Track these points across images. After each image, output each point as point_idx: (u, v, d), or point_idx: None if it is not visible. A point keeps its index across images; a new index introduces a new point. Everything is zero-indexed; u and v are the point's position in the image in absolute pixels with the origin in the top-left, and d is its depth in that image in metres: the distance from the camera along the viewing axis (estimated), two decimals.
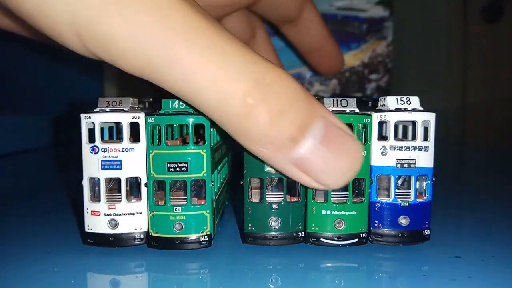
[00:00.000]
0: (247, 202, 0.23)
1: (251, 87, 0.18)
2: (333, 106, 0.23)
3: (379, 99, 0.24)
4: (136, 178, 0.23)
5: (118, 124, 0.26)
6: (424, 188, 0.24)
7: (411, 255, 0.23)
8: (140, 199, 0.23)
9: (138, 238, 0.23)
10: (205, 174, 0.22)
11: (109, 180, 0.23)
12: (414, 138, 0.23)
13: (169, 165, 0.22)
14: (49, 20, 0.19)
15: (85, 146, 0.23)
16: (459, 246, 0.24)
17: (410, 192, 0.23)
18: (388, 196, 0.23)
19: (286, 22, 0.41)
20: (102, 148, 0.22)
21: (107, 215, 0.23)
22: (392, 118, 0.23)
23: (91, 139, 0.23)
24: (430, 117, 0.23)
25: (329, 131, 0.19)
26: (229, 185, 0.32)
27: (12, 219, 0.30)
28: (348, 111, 0.23)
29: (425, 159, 0.23)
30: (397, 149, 0.23)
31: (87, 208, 0.23)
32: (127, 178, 0.23)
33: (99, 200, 0.23)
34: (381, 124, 0.23)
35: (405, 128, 0.27)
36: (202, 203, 0.23)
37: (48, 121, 0.67)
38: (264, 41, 0.42)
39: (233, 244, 0.24)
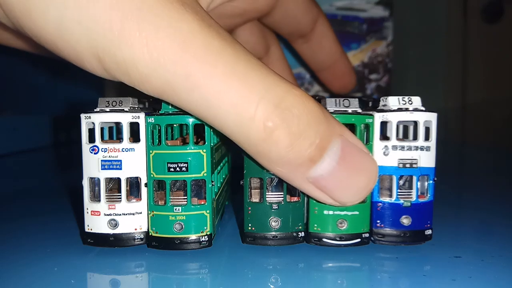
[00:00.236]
0: (247, 202, 0.23)
1: (270, 112, 0.19)
2: (335, 106, 0.23)
3: (381, 99, 0.24)
4: (136, 178, 0.23)
5: (118, 124, 0.26)
6: (426, 188, 0.24)
7: (411, 255, 0.23)
8: (140, 199, 0.23)
9: (138, 238, 0.23)
10: (205, 174, 0.22)
11: (109, 180, 0.23)
12: (415, 138, 0.23)
13: (169, 165, 0.22)
14: (69, 46, 0.19)
15: (85, 146, 0.23)
16: (459, 246, 0.24)
17: (412, 192, 0.23)
18: (390, 196, 0.23)
19: (299, 36, 0.41)
20: (102, 148, 0.22)
21: (107, 215, 0.23)
22: (394, 118, 0.23)
23: (91, 139, 0.23)
24: (432, 117, 0.23)
25: (346, 150, 0.20)
26: (229, 185, 0.32)
27: (12, 219, 0.30)
28: (350, 111, 0.23)
29: (427, 159, 0.23)
30: (399, 149, 0.23)
31: (87, 208, 0.23)
32: (127, 178, 0.23)
33: (99, 200, 0.23)
34: (382, 124, 0.23)
35: (405, 128, 0.27)
36: (202, 203, 0.23)
37: (48, 121, 0.67)
38: (279, 58, 0.42)
39: (233, 244, 0.24)
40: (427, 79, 0.96)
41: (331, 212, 0.23)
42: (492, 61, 0.98)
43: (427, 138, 0.23)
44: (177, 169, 0.22)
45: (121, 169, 0.23)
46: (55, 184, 0.44)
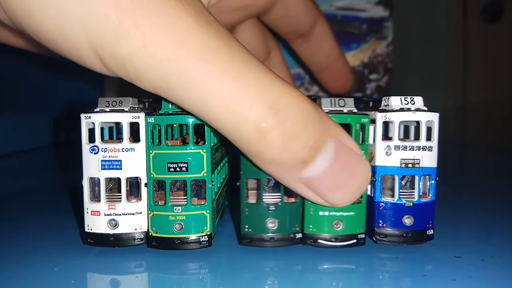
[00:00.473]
0: (244, 204, 0.23)
1: (264, 113, 0.19)
2: (331, 106, 0.23)
3: (383, 99, 0.24)
4: (136, 178, 0.23)
5: (118, 124, 0.26)
6: (428, 188, 0.24)
7: (411, 255, 0.23)
8: (140, 199, 0.23)
9: (138, 238, 0.23)
10: (205, 174, 0.22)
11: (109, 180, 0.23)
12: (417, 138, 0.23)
13: (169, 165, 0.22)
14: (68, 42, 0.19)
15: (85, 146, 0.23)
16: (459, 246, 0.24)
17: (414, 192, 0.23)
18: (392, 196, 0.23)
19: (298, 36, 0.41)
20: (102, 148, 0.22)
21: (107, 215, 0.23)
22: (396, 118, 0.23)
23: (91, 139, 0.23)
24: (434, 117, 0.23)
25: (339, 152, 0.20)
26: (229, 185, 0.32)
27: (12, 219, 0.30)
28: (345, 110, 0.23)
29: (429, 159, 0.23)
30: (401, 149, 0.23)
31: (87, 208, 0.23)
32: (127, 178, 0.23)
33: (99, 200, 0.23)
34: (384, 124, 0.23)
35: (406, 128, 0.27)
36: (202, 203, 0.23)
37: (48, 121, 0.67)
38: (279, 63, 0.42)
39: (233, 244, 0.24)
40: (427, 79, 0.96)
41: (326, 213, 0.23)
42: (492, 61, 0.98)
43: (429, 138, 0.23)
44: (177, 169, 0.22)
45: (121, 169, 0.23)
46: (55, 184, 0.44)
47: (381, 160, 0.23)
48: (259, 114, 0.18)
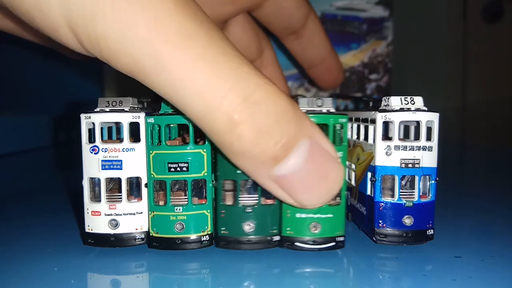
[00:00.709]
0: (220, 205, 0.23)
1: (237, 104, 0.18)
2: (308, 105, 0.23)
3: (383, 99, 0.24)
4: (137, 178, 0.23)
5: (117, 124, 0.26)
6: (428, 188, 0.24)
7: (411, 255, 0.23)
8: (141, 199, 0.23)
9: (138, 238, 0.23)
10: (205, 174, 0.22)
11: (109, 180, 0.23)
12: (417, 138, 0.23)
13: (170, 165, 0.22)
14: (45, 17, 0.18)
15: (85, 146, 0.23)
16: (459, 246, 0.24)
17: (414, 192, 0.23)
18: (392, 196, 0.23)
19: (290, 32, 0.41)
20: (102, 148, 0.22)
21: (108, 215, 0.23)
22: (396, 118, 0.23)
23: (91, 139, 0.23)
24: (434, 117, 0.23)
25: (313, 153, 0.19)
26: None
27: (12, 219, 0.30)
28: (324, 110, 0.22)
29: (429, 159, 0.23)
30: (401, 149, 0.23)
31: (88, 208, 0.23)
32: (128, 178, 0.23)
33: (100, 200, 0.23)
34: (384, 124, 0.23)
35: (406, 128, 0.27)
36: (203, 202, 0.23)
37: (48, 121, 0.67)
38: (272, 62, 0.42)
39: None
40: (427, 79, 0.96)
41: (304, 215, 0.22)
42: (492, 61, 0.98)
43: (429, 138, 0.23)
44: (178, 169, 0.22)
45: (121, 169, 0.23)
46: (55, 184, 0.44)
47: (381, 160, 0.23)
48: (232, 105, 0.18)
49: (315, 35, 0.41)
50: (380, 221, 0.23)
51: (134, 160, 0.23)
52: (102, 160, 0.22)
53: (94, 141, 0.23)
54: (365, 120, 0.25)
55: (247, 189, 0.23)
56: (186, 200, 0.23)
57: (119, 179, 0.23)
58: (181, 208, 0.22)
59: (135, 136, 0.23)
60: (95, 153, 0.23)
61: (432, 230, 0.23)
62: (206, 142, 0.22)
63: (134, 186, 0.24)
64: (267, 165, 0.19)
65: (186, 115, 0.20)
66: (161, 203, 0.23)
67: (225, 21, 0.37)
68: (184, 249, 0.22)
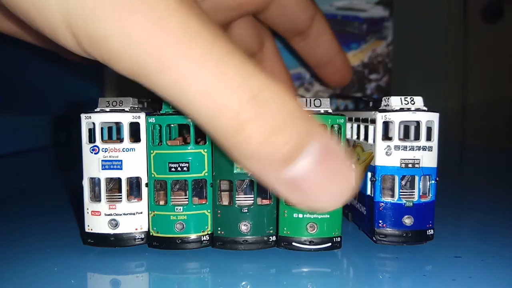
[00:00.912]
0: (216, 205, 0.23)
1: (245, 102, 0.17)
2: (306, 106, 0.22)
3: (383, 99, 0.24)
4: (137, 178, 0.23)
5: (117, 124, 0.26)
6: (428, 188, 0.24)
7: (411, 255, 0.23)
8: (141, 199, 0.23)
9: (138, 238, 0.23)
10: (206, 174, 0.22)
11: (109, 180, 0.23)
12: (417, 138, 0.23)
13: (170, 165, 0.22)
14: (44, 18, 0.18)
15: (85, 146, 0.23)
16: (459, 246, 0.24)
17: (414, 192, 0.23)
18: (392, 196, 0.23)
19: (296, 33, 0.40)
20: (103, 148, 0.22)
21: (108, 215, 0.23)
22: (396, 118, 0.23)
23: (91, 139, 0.23)
24: (434, 117, 0.23)
25: (324, 154, 0.19)
26: None
27: (12, 219, 0.30)
28: (322, 111, 0.22)
29: (429, 159, 0.23)
30: (401, 149, 0.23)
31: (88, 208, 0.23)
32: (128, 178, 0.23)
33: (100, 200, 0.23)
34: (384, 124, 0.23)
35: (406, 128, 0.27)
36: (203, 202, 0.23)
37: (48, 121, 0.67)
38: (273, 53, 0.41)
39: None
40: (427, 79, 0.96)
41: (301, 216, 0.22)
42: (492, 61, 0.98)
43: (429, 138, 0.23)
44: (178, 169, 0.22)
45: (121, 169, 0.23)
46: (55, 184, 0.44)
47: (381, 160, 0.23)
48: (239, 103, 0.17)
49: (321, 36, 0.41)
50: (380, 221, 0.23)
51: (134, 160, 0.23)
52: (102, 160, 0.22)
53: (94, 141, 0.23)
54: (365, 120, 0.25)
55: (244, 189, 0.23)
56: (187, 200, 0.23)
57: (119, 179, 0.23)
58: (181, 208, 0.22)
59: (135, 136, 0.23)
60: (95, 153, 0.23)
61: (432, 230, 0.23)
62: (207, 142, 0.22)
63: (134, 186, 0.24)
64: (277, 168, 0.18)
65: (190, 117, 0.19)
66: (162, 202, 0.23)
67: (227, 24, 0.36)
68: (184, 249, 0.22)
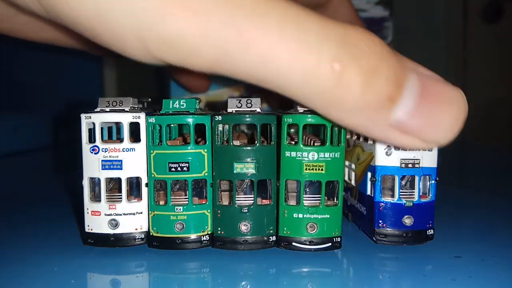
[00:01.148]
0: (216, 205, 0.23)
1: (336, 51, 0.17)
2: (305, 106, 0.22)
3: None
4: (137, 178, 0.23)
5: (117, 124, 0.26)
6: (428, 188, 0.24)
7: (411, 255, 0.23)
8: (141, 199, 0.23)
9: (138, 238, 0.23)
10: (206, 174, 0.22)
11: (109, 180, 0.23)
12: None
13: (171, 165, 0.22)
14: (109, 29, 0.18)
15: (85, 146, 0.23)
16: (459, 246, 0.24)
17: (414, 192, 0.23)
18: (392, 196, 0.23)
19: (315, 6, 0.39)
20: (103, 148, 0.22)
21: (108, 215, 0.23)
22: None
23: (91, 139, 0.23)
24: None
25: (425, 83, 0.18)
26: None
27: (12, 220, 0.30)
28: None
29: (429, 159, 0.23)
30: (401, 149, 0.23)
31: (87, 208, 0.23)
32: (128, 178, 0.23)
33: (100, 200, 0.23)
34: None
35: None
36: (203, 202, 0.23)
37: (48, 121, 0.67)
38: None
39: None
40: None
41: (301, 215, 0.22)
42: (492, 61, 0.98)
43: None
44: (178, 169, 0.22)
45: (121, 169, 0.23)
46: (55, 184, 0.44)
47: (381, 160, 0.23)
48: (330, 54, 0.17)
49: (341, 7, 0.40)
50: (380, 221, 0.23)
51: (134, 160, 0.23)
52: (102, 160, 0.22)
53: (94, 141, 0.23)
54: None
55: (244, 189, 0.23)
56: (187, 200, 0.23)
57: (119, 179, 0.23)
58: (181, 208, 0.22)
59: (135, 136, 0.23)
60: (95, 153, 0.23)
61: (432, 230, 0.23)
62: (207, 142, 0.22)
63: (134, 186, 0.24)
64: (384, 111, 0.18)
65: (280, 90, 0.18)
66: (162, 202, 0.23)
67: None
68: (184, 249, 0.22)
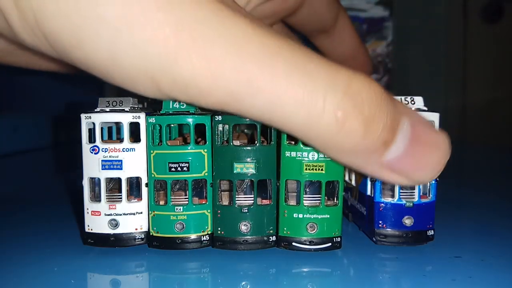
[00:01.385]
0: (216, 205, 0.23)
1: (339, 100, 0.18)
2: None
3: None
4: (137, 178, 0.23)
5: (117, 124, 0.26)
6: (428, 188, 0.24)
7: (411, 255, 0.23)
8: (141, 199, 0.23)
9: (138, 238, 0.23)
10: (206, 174, 0.22)
11: (109, 180, 0.23)
12: None
13: (171, 165, 0.22)
14: (123, 71, 0.18)
15: (85, 146, 0.23)
16: (459, 246, 0.24)
17: (414, 192, 0.23)
18: (393, 196, 0.23)
19: (320, 32, 0.40)
20: (103, 148, 0.22)
21: (108, 215, 0.23)
22: None
23: (91, 139, 0.23)
24: (434, 117, 0.23)
25: (416, 128, 0.19)
26: None
27: (12, 220, 0.30)
28: None
29: None
30: None
31: (88, 208, 0.23)
32: (128, 178, 0.23)
33: (100, 200, 0.23)
34: None
35: None
36: (203, 202, 0.23)
37: (48, 121, 0.67)
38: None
39: None
40: (427, 79, 0.96)
41: (301, 216, 0.22)
42: (492, 61, 0.98)
43: None
44: (178, 169, 0.22)
45: (121, 169, 0.23)
46: (55, 184, 0.44)
47: None
48: (334, 103, 0.18)
49: (345, 31, 0.40)
50: (380, 222, 0.23)
51: (134, 160, 0.23)
52: (102, 160, 0.22)
53: (94, 141, 0.23)
54: None
55: (244, 189, 0.23)
56: (187, 200, 0.23)
57: (119, 179, 0.23)
58: (181, 207, 0.22)
59: (135, 136, 0.23)
60: (95, 153, 0.23)
61: (432, 231, 0.23)
62: (207, 142, 0.22)
63: (134, 186, 0.24)
64: (378, 153, 0.19)
65: (288, 132, 0.19)
66: (162, 202, 0.23)
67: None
68: (184, 249, 0.22)
